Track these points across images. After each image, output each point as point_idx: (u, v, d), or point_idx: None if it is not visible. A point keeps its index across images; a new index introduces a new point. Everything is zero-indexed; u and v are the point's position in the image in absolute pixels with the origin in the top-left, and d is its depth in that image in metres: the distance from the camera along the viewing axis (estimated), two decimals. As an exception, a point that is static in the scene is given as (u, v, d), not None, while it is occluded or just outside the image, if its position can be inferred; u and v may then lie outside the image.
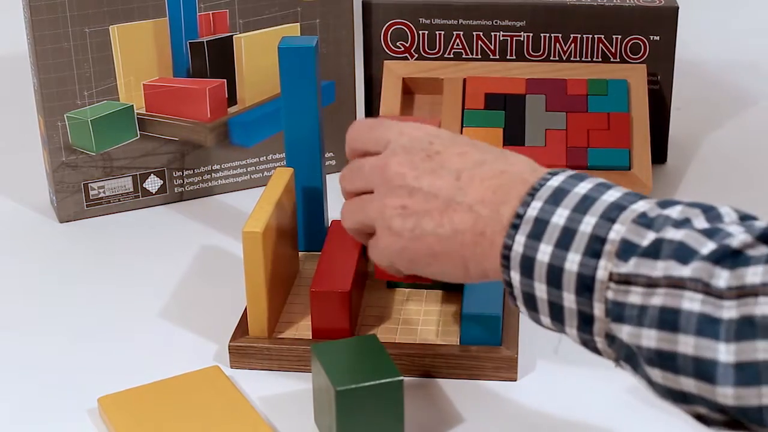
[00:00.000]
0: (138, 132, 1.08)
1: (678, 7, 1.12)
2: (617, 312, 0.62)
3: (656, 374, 0.60)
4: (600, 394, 0.81)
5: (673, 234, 0.61)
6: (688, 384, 0.59)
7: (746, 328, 0.56)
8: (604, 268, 0.62)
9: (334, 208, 0.99)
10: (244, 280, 0.84)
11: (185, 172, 1.11)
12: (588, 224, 0.63)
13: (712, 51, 1.45)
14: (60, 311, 0.94)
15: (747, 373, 0.56)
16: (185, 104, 1.09)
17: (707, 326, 0.57)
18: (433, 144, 0.74)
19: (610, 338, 0.63)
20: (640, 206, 0.64)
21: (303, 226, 0.98)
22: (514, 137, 1.09)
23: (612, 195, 0.65)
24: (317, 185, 0.97)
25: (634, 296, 0.61)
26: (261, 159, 1.13)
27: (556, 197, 0.65)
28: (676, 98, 1.18)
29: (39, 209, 1.10)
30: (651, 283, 0.60)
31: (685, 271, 0.59)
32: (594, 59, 1.14)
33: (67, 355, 0.88)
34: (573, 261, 0.63)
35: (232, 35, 1.08)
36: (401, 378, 0.75)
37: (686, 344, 0.58)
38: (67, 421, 0.80)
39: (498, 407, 0.81)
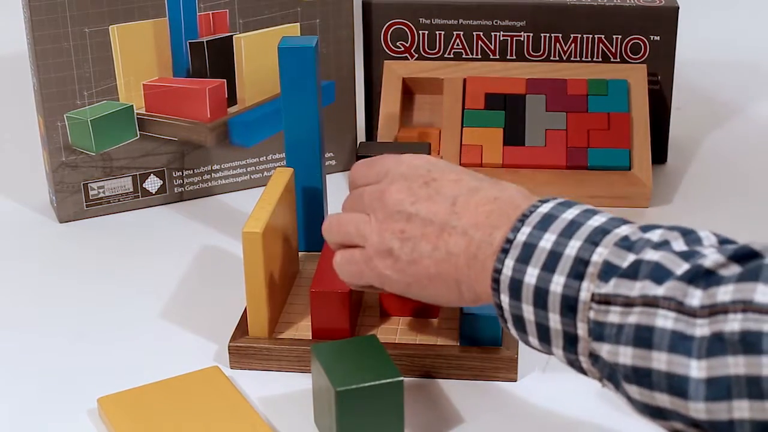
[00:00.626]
0: (138, 132, 1.08)
1: (678, 7, 1.12)
2: (598, 331, 0.63)
3: (634, 391, 0.62)
4: (600, 395, 0.81)
5: (651, 255, 0.62)
6: (663, 400, 0.60)
7: (716, 345, 0.58)
8: (586, 289, 0.64)
9: (334, 208, 0.99)
10: (244, 280, 0.84)
11: (185, 172, 1.11)
12: (573, 248, 0.65)
13: (712, 51, 1.45)
14: (60, 311, 0.94)
15: (717, 388, 0.58)
16: (185, 104, 1.09)
17: (680, 343, 0.59)
18: (430, 172, 0.76)
19: (594, 357, 0.65)
20: (623, 230, 0.65)
21: (303, 226, 0.98)
22: (514, 137, 1.09)
23: (597, 220, 0.66)
24: (317, 185, 0.97)
25: (613, 315, 0.63)
26: (261, 159, 1.13)
27: (545, 223, 0.67)
28: (676, 98, 1.18)
29: (39, 209, 1.10)
30: (628, 303, 0.62)
31: (659, 290, 0.61)
32: (594, 59, 1.14)
33: (67, 356, 0.88)
34: (558, 283, 0.65)
35: (232, 35, 1.08)
36: (401, 378, 0.75)
37: (659, 361, 0.60)
38: (67, 421, 0.80)
39: (498, 407, 0.81)
